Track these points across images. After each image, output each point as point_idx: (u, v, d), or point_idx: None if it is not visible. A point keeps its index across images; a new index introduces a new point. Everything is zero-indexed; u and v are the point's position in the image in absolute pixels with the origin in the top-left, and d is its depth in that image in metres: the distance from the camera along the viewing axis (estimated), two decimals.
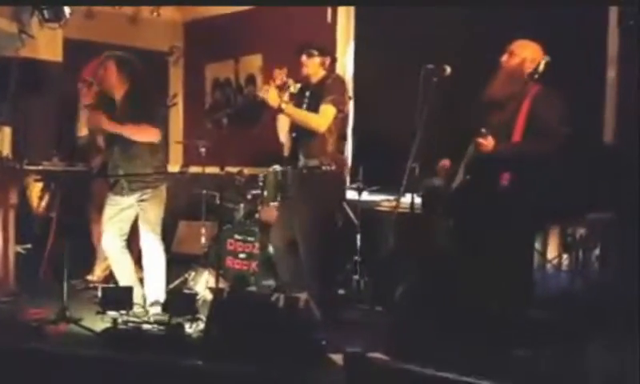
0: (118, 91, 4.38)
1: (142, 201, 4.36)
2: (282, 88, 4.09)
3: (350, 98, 4.60)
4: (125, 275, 4.44)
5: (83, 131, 4.42)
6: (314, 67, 4.18)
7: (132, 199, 4.36)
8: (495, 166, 3.55)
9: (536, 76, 3.60)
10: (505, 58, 3.67)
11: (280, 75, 4.12)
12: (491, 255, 3.53)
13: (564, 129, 3.51)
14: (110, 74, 4.36)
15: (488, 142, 3.51)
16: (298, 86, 4.22)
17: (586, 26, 4.35)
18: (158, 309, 4.30)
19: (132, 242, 4.60)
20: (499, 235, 3.50)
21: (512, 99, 3.59)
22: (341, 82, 4.29)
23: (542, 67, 3.58)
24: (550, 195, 3.74)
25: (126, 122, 4.25)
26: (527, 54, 3.63)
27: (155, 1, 6.52)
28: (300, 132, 4.16)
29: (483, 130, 3.50)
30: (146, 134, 4.28)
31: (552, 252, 4.35)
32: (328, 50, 4.34)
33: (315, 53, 4.18)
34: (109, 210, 4.40)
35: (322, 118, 4.07)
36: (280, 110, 4.08)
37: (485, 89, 3.72)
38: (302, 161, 4.16)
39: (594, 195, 4.00)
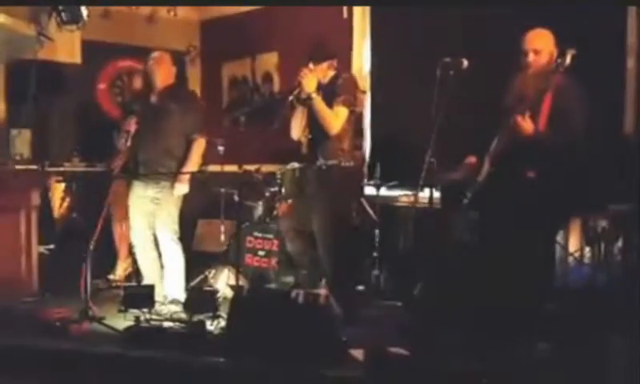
0: (163, 83, 4.51)
1: (157, 198, 4.42)
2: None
3: (364, 93, 4.59)
4: (150, 270, 4.49)
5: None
6: (322, 72, 4.19)
7: (150, 193, 4.46)
8: (522, 158, 3.52)
9: (561, 69, 3.50)
10: (531, 57, 3.63)
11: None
12: (515, 249, 3.50)
13: (586, 120, 3.48)
14: (163, 65, 4.54)
15: (526, 123, 3.48)
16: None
17: (606, 18, 4.30)
18: (177, 307, 4.33)
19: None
20: (524, 228, 3.47)
21: (537, 92, 3.55)
22: (352, 80, 4.30)
23: (568, 60, 3.46)
24: (575, 187, 3.71)
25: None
26: (552, 47, 3.61)
27: (172, 0, 6.53)
28: (316, 131, 4.17)
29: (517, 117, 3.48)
30: (202, 146, 4.53)
31: (574, 245, 4.31)
32: (333, 51, 4.34)
33: (321, 58, 4.19)
34: (135, 202, 4.52)
35: (337, 120, 4.08)
36: (308, 99, 4.08)
37: (509, 84, 3.69)
38: (319, 160, 4.17)
39: (617, 187, 3.96)
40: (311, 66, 4.16)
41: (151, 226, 4.50)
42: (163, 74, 4.52)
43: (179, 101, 4.50)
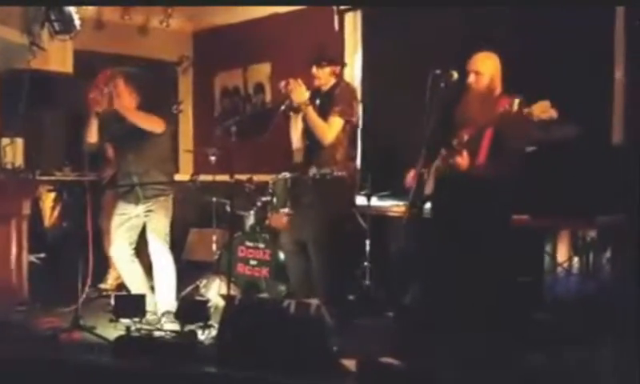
0: (130, 105, 4.43)
1: (148, 211, 4.40)
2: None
3: (359, 104, 4.62)
4: (135, 284, 4.48)
5: (92, 138, 4.47)
6: (325, 77, 4.21)
7: (140, 209, 4.41)
8: (461, 182, 3.59)
9: (499, 95, 3.59)
10: (472, 78, 3.68)
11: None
12: (479, 260, 3.54)
13: (524, 149, 3.54)
14: (119, 91, 4.41)
15: (463, 160, 3.54)
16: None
17: (593, 26, 4.35)
18: (169, 317, 4.33)
19: (142, 251, 4.64)
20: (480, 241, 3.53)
21: (479, 117, 3.59)
22: (349, 90, 4.31)
23: (515, 108, 3.38)
24: (556, 197, 3.75)
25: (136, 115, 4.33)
26: (493, 71, 3.67)
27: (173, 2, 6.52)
28: (310, 142, 4.19)
29: (454, 144, 3.53)
30: (152, 123, 4.35)
31: (562, 255, 4.35)
32: (337, 58, 4.36)
33: (325, 63, 4.20)
34: (117, 219, 4.46)
35: (329, 131, 4.09)
36: (299, 109, 4.09)
37: (458, 104, 3.75)
38: (313, 169, 4.19)
39: (603, 197, 4.00)
40: (314, 70, 4.18)
41: (132, 242, 4.47)
42: (126, 99, 4.43)
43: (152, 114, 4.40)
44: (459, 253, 3.59)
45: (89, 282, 4.13)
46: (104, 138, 4.53)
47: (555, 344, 3.64)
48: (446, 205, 3.70)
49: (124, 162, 4.47)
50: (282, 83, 4.11)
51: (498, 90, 3.68)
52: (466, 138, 3.58)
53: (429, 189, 3.79)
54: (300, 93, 4.05)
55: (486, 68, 3.68)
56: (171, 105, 5.15)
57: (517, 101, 3.37)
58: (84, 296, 4.14)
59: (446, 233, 3.69)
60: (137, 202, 4.41)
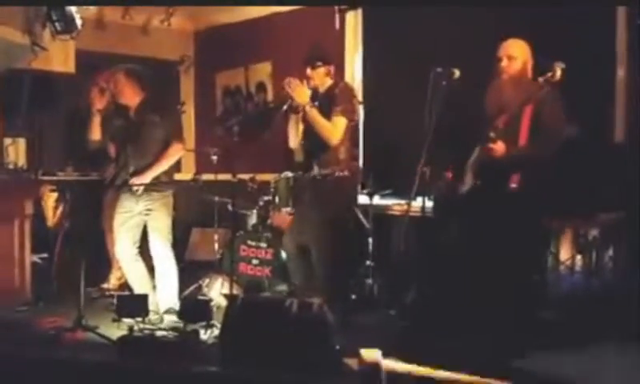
0: (132, 101, 4.45)
1: (149, 209, 4.40)
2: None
3: (361, 102, 4.61)
4: (139, 283, 4.49)
5: (96, 135, 4.49)
6: (319, 78, 4.19)
7: (141, 206, 4.42)
8: (503, 170, 3.55)
9: (548, 84, 3.53)
10: (504, 63, 3.67)
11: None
12: (502, 258, 3.52)
13: (565, 132, 3.52)
14: (121, 87, 4.44)
15: (498, 147, 3.52)
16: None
17: (595, 25, 4.35)
18: (172, 316, 4.33)
19: (145, 250, 4.65)
20: (509, 238, 3.50)
21: (516, 103, 3.59)
22: (349, 90, 4.30)
23: (558, 75, 3.46)
24: (560, 196, 3.74)
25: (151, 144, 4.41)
26: (526, 56, 3.65)
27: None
28: (313, 141, 4.17)
29: (492, 135, 3.51)
30: (178, 153, 4.47)
31: (565, 253, 4.35)
32: (331, 57, 4.34)
33: (319, 63, 4.19)
34: (120, 218, 4.46)
35: (335, 131, 4.08)
36: (302, 110, 4.08)
37: (486, 93, 3.73)
38: (315, 169, 4.18)
39: (606, 195, 4.00)
40: (309, 71, 4.17)
41: (136, 240, 4.48)
42: (128, 95, 4.46)
43: (157, 112, 4.44)
44: (493, 246, 3.55)
45: (82, 282, 4.12)
46: (106, 135, 4.54)
47: (559, 342, 3.64)
48: (488, 198, 3.62)
49: (125, 158, 4.47)
50: (285, 82, 4.11)
51: (530, 74, 3.66)
52: (502, 125, 3.55)
53: (467, 184, 3.76)
54: (302, 93, 4.05)
55: (518, 52, 3.67)
56: (177, 106, 5.16)
57: (559, 67, 3.40)
58: (82, 296, 4.13)
59: (478, 228, 3.66)
60: (137, 200, 4.41)
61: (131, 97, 4.45)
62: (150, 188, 4.39)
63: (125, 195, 4.47)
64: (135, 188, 4.38)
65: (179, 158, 4.61)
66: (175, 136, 4.47)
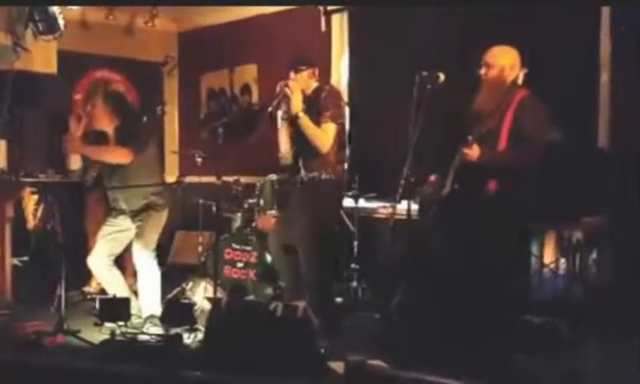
0: (108, 127, 4.40)
1: (140, 220, 4.36)
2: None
3: (347, 105, 4.59)
4: (115, 290, 4.41)
5: (75, 165, 4.44)
6: (304, 81, 4.15)
7: (134, 226, 4.38)
8: (481, 174, 3.57)
9: (516, 86, 3.61)
10: (483, 70, 3.70)
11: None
12: (485, 262, 3.53)
13: (546, 137, 3.54)
14: (98, 112, 4.38)
15: (473, 151, 3.53)
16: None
17: (578, 30, 4.38)
18: (154, 320, 4.28)
19: (126, 257, 4.61)
20: (490, 242, 3.51)
21: (496, 109, 3.59)
22: (335, 93, 4.27)
23: (520, 79, 3.58)
24: (543, 200, 3.76)
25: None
26: (505, 62, 3.66)
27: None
28: (301, 146, 4.15)
29: (469, 138, 3.52)
30: (116, 156, 4.28)
31: (548, 256, 4.37)
32: (314, 59, 4.31)
33: (302, 67, 4.15)
34: (105, 229, 4.42)
35: (327, 139, 4.05)
36: (295, 116, 4.06)
37: (470, 101, 3.75)
38: (302, 173, 4.16)
39: (588, 199, 4.03)
40: (292, 75, 4.14)
41: (114, 253, 4.41)
42: (105, 122, 4.38)
43: (133, 137, 4.34)
44: (472, 250, 3.55)
45: (63, 285, 4.07)
46: (86, 162, 4.49)
47: (543, 345, 3.65)
48: (465, 202, 3.62)
49: (109, 182, 4.41)
50: (281, 83, 4.06)
51: (511, 80, 3.67)
52: (483, 130, 3.56)
53: (448, 188, 3.76)
54: (297, 101, 4.00)
55: (496, 59, 3.68)
56: (150, 131, 5.04)
57: (522, 71, 3.51)
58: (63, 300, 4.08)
59: (459, 232, 3.66)
60: (132, 219, 4.37)
61: (108, 123, 4.38)
62: (137, 203, 4.34)
63: (117, 215, 4.41)
64: (124, 205, 4.34)
65: (122, 163, 4.29)
66: (130, 142, 4.30)
